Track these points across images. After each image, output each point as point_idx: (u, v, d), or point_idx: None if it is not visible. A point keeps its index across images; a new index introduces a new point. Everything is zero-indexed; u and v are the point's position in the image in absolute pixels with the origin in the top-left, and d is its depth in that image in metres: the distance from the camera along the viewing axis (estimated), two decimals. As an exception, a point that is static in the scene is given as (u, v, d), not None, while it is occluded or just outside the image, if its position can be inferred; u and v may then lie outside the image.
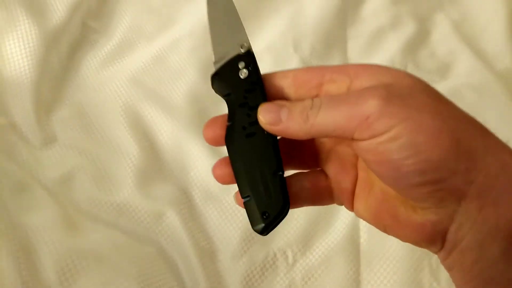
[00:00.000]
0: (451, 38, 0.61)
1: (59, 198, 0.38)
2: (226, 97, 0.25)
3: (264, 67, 0.52)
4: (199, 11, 0.57)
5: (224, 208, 0.44)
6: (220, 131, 0.25)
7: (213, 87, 0.26)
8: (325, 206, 0.45)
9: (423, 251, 0.44)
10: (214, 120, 0.26)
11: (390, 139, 0.21)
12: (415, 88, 0.23)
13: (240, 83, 0.25)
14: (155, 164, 0.45)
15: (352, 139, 0.22)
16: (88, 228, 0.37)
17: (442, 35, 0.61)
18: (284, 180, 0.24)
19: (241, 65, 0.25)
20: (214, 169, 0.26)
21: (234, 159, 0.24)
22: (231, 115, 0.25)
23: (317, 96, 0.24)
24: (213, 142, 0.26)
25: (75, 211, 0.38)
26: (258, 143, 0.24)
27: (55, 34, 0.47)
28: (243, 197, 0.24)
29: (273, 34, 0.56)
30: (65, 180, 0.41)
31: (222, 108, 0.49)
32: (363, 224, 0.46)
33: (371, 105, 0.21)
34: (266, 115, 0.24)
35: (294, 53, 0.55)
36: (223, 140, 0.25)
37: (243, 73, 0.25)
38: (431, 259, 0.44)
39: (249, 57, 0.26)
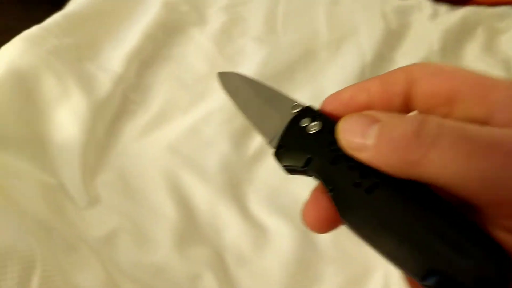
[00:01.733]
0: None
1: (102, 258, 0.39)
2: (306, 166, 0.20)
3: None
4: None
5: (258, 271, 0.45)
6: (323, 211, 0.19)
7: (282, 165, 0.21)
8: (354, 273, 0.46)
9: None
10: (310, 203, 0.19)
11: None
12: None
13: (317, 139, 0.20)
14: (191, 227, 0.46)
15: (488, 213, 0.14)
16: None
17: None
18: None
19: (303, 123, 0.21)
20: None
21: (373, 231, 0.17)
22: (327, 182, 0.19)
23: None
24: (320, 227, 0.19)
25: (117, 271, 0.38)
26: (392, 193, 0.17)
27: (101, 105, 0.51)
28: (423, 280, 0.16)
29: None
30: (108, 239, 0.42)
31: (254, 173, 0.52)
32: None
33: None
34: (347, 134, 0.17)
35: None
36: (330, 221, 0.19)
37: (313, 127, 0.20)
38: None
39: (308, 111, 0.21)
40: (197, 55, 0.66)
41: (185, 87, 0.61)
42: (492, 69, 0.69)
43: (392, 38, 0.74)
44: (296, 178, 0.52)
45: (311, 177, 0.20)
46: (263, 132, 0.23)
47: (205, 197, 0.48)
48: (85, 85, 0.51)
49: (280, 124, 0.22)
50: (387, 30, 0.75)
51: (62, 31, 0.54)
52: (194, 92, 0.60)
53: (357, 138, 0.17)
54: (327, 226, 0.19)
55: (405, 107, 0.18)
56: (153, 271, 0.41)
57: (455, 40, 0.74)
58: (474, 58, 0.72)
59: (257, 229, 0.48)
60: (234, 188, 0.50)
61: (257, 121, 0.23)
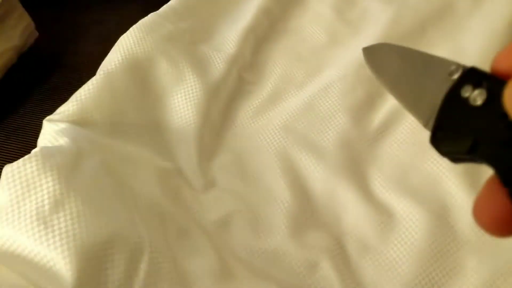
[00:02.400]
0: None
1: (217, 243, 0.39)
2: (472, 152, 0.15)
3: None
4: (347, 56, 0.57)
5: (382, 261, 0.40)
6: (501, 208, 0.14)
7: (442, 151, 0.17)
8: (503, 263, 0.39)
9: None
10: (483, 197, 0.15)
11: None
12: None
13: (484, 114, 0.15)
14: (308, 210, 0.44)
15: None
16: (244, 277, 0.37)
17: None
18: None
19: (466, 93, 0.16)
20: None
21: None
22: (503, 172, 0.14)
23: None
24: (497, 228, 0.15)
25: (231, 257, 0.38)
26: None
27: (215, 87, 0.51)
28: None
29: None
30: (223, 223, 0.42)
31: (378, 150, 0.48)
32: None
33: None
34: None
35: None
36: (509, 220, 0.14)
37: (479, 98, 0.15)
38: None
39: (472, 75, 0.16)
40: (315, 25, 0.63)
41: (301, 61, 0.58)
42: None
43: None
44: (428, 155, 0.48)
45: (482, 164, 0.16)
46: (417, 113, 0.19)
47: (322, 178, 0.45)
48: (199, 68, 0.51)
49: (436, 98, 0.17)
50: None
51: (177, 16, 0.56)
52: (311, 65, 0.57)
53: None
54: (507, 228, 0.15)
55: None
56: (268, 257, 0.40)
57: None
58: None
59: (382, 213, 0.43)
60: (355, 167, 0.46)
61: (409, 100, 0.19)
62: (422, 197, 0.44)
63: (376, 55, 0.22)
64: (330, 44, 0.60)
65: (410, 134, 0.48)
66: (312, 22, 0.63)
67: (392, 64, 0.21)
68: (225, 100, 0.52)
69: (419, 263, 0.40)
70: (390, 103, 0.51)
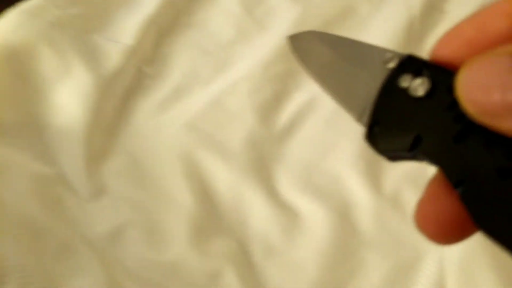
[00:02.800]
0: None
1: (106, 259, 0.35)
2: (414, 149, 0.13)
3: (327, 107, 0.48)
4: (256, 53, 0.56)
5: (288, 263, 0.40)
6: (447, 214, 0.13)
7: (380, 149, 0.15)
8: (403, 258, 0.40)
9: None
10: (426, 201, 0.14)
11: None
12: None
13: (427, 105, 0.13)
14: (211, 216, 0.42)
15: None
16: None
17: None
18: None
19: (404, 83, 0.14)
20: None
21: None
22: (452, 171, 0.13)
23: None
24: (444, 236, 0.13)
25: (123, 274, 0.35)
26: None
27: (110, 81, 0.47)
28: None
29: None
30: (114, 236, 0.38)
31: (285, 150, 0.47)
32: (450, 284, 0.40)
33: None
34: (473, 91, 0.11)
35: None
36: (459, 228, 0.13)
37: (420, 88, 0.14)
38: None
39: (410, 63, 0.14)
40: (222, 20, 0.61)
41: (207, 56, 0.56)
42: None
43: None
44: (333, 153, 0.48)
45: (425, 163, 0.14)
46: (349, 106, 0.16)
47: (227, 180, 0.44)
48: (91, 60, 0.47)
49: (371, 89, 0.15)
50: (438, -25, 0.65)
51: (66, 1, 0.50)
52: (217, 60, 0.55)
53: (495, 95, 0.10)
54: (454, 235, 0.13)
55: None
56: (166, 270, 0.37)
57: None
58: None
59: (288, 214, 0.43)
60: (262, 168, 0.45)
61: (340, 92, 0.17)
62: (326, 196, 0.44)
63: (302, 43, 0.20)
64: (238, 40, 0.59)
65: (315, 133, 0.49)
66: (219, 17, 0.61)
67: (320, 53, 0.19)
68: (121, 95, 0.48)
69: (324, 263, 0.40)
70: (297, 101, 0.51)
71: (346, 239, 0.42)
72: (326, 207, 0.43)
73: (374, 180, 0.45)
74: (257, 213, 0.42)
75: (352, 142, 0.46)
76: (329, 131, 0.48)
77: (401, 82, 0.14)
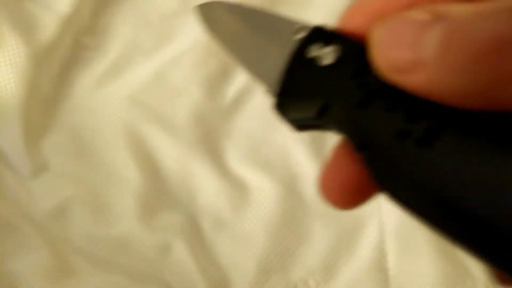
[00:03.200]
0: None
1: (51, 236, 0.34)
2: (321, 116, 0.14)
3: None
4: (198, 25, 0.54)
5: (237, 235, 0.41)
6: (350, 179, 0.13)
7: (289, 118, 0.15)
8: (346, 226, 0.42)
9: (459, 275, 0.41)
10: (330, 168, 0.14)
11: None
12: None
13: (334, 73, 0.14)
14: (159, 190, 0.41)
15: None
16: (85, 272, 0.33)
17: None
18: None
19: (312, 52, 0.14)
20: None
21: (432, 205, 0.11)
22: (356, 135, 0.13)
23: None
24: (346, 201, 0.14)
25: (69, 251, 0.34)
26: (464, 142, 0.10)
27: (45, 52, 0.44)
28: None
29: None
30: (58, 213, 0.37)
31: (232, 124, 0.47)
32: (390, 247, 0.43)
33: None
34: (385, 48, 0.11)
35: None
36: (361, 192, 0.14)
37: (328, 57, 0.14)
38: (465, 283, 0.41)
39: (319, 34, 0.15)
40: (164, -11, 0.58)
41: (150, 27, 0.53)
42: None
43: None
44: (280, 127, 0.49)
45: (331, 131, 0.14)
46: (260, 77, 0.16)
47: (174, 154, 0.43)
48: (24, 29, 0.43)
49: (280, 60, 0.15)
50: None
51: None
52: (160, 32, 0.53)
53: (405, 51, 0.10)
54: (356, 199, 0.14)
55: None
56: (115, 245, 0.36)
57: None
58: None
59: (237, 187, 0.43)
60: (209, 142, 0.45)
61: (252, 63, 0.17)
62: (273, 169, 0.45)
63: (212, 14, 0.19)
64: (181, 11, 0.57)
65: (262, 107, 0.49)
66: (161, -14, 0.59)
67: (229, 23, 0.18)
68: (59, 68, 0.45)
69: (272, 233, 0.41)
70: (243, 76, 0.51)
71: (293, 209, 0.43)
72: (274, 180, 0.43)
73: (318, 153, 0.46)
74: (205, 187, 0.42)
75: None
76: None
77: (310, 52, 0.14)
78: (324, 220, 0.43)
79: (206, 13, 0.19)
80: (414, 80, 0.10)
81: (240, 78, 0.50)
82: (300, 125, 0.15)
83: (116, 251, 0.36)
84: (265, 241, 0.41)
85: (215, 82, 0.50)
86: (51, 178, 0.39)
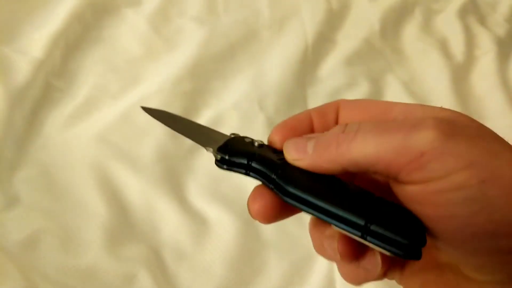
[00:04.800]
0: (402, 97, 0.66)
1: (23, 265, 0.35)
2: (247, 173, 0.23)
3: (232, 125, 0.53)
4: (165, 70, 0.58)
5: (198, 266, 0.43)
6: (268, 200, 0.22)
7: (225, 169, 0.24)
8: (299, 257, 0.45)
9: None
10: (254, 194, 0.22)
11: (452, 187, 0.16)
12: (482, 129, 0.18)
13: (260, 149, 0.23)
14: (125, 224, 0.43)
15: (396, 180, 0.18)
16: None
17: (394, 94, 0.66)
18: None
19: (246, 139, 0.24)
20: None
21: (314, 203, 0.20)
22: (267, 180, 0.22)
23: None
24: (267, 216, 0.22)
25: (40, 279, 0.35)
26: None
27: (19, 93, 0.46)
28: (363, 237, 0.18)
29: (238, 94, 0.58)
30: (29, 243, 0.38)
31: (192, 164, 0.50)
32: (337, 275, 0.46)
33: (427, 138, 0.16)
34: (291, 151, 0.21)
35: (260, 112, 0.57)
36: (275, 210, 0.22)
37: (256, 143, 0.24)
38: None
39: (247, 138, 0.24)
40: (131, 37, 0.62)
41: (117, 71, 0.57)
42: (430, 48, 0.71)
43: (334, 18, 0.73)
44: None
45: (248, 175, 0.23)
46: (201, 143, 0.25)
47: (139, 190, 0.45)
48: (0, 72, 0.45)
49: (220, 140, 0.24)
50: (328, 10, 0.74)
51: (-30, 11, 0.48)
52: (127, 76, 0.57)
53: (299, 152, 0.21)
54: (273, 215, 0.22)
55: None
56: (82, 275, 0.38)
57: (395, 20, 0.75)
58: (412, 38, 0.73)
59: (197, 221, 0.46)
60: (172, 179, 0.48)
61: (195, 138, 0.26)
62: (232, 204, 0.47)
63: (158, 113, 0.30)
64: (146, 57, 0.61)
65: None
66: (127, 33, 0.62)
67: (172, 125, 0.28)
68: (31, 107, 0.48)
69: (231, 264, 0.43)
70: (205, 118, 0.55)
71: (250, 242, 0.45)
72: (232, 214, 0.46)
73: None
74: (168, 221, 0.44)
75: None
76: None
77: (245, 139, 0.24)
78: (279, 252, 0.46)
79: (153, 112, 0.30)
80: (305, 163, 0.20)
81: (202, 120, 0.54)
82: (228, 164, 0.24)
83: (84, 280, 0.37)
84: (224, 272, 0.43)
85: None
86: (22, 211, 0.40)
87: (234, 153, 0.23)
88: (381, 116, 0.21)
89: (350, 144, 0.18)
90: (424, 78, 0.67)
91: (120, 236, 0.42)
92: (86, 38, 0.59)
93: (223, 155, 0.23)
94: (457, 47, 0.71)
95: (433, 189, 0.16)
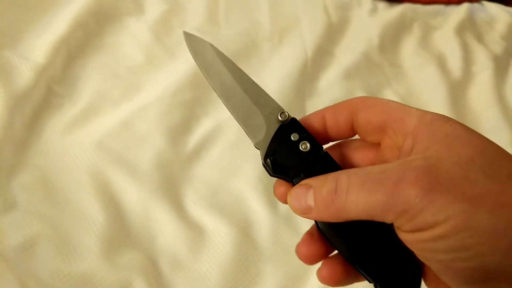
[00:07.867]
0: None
1: (19, 270, 0.35)
2: (293, 180, 0.23)
3: (231, 135, 0.53)
4: (165, 79, 0.59)
5: (194, 275, 0.42)
6: (316, 245, 0.24)
7: (272, 174, 0.24)
8: (294, 269, 0.45)
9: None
10: (303, 242, 0.24)
11: (434, 237, 0.18)
12: (475, 162, 0.18)
13: (306, 158, 0.23)
14: (122, 231, 0.43)
15: (393, 225, 0.20)
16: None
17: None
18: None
19: (295, 138, 0.24)
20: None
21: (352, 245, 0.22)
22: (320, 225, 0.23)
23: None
24: (314, 261, 0.24)
25: (36, 285, 0.35)
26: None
27: (20, 97, 0.46)
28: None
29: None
30: (26, 248, 0.38)
31: (192, 171, 0.50)
32: None
33: (409, 196, 0.18)
34: (295, 204, 0.22)
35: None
36: (322, 253, 0.24)
37: (305, 146, 0.23)
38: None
39: (295, 124, 0.24)
40: (132, 45, 0.63)
41: (117, 78, 0.57)
42: (427, 63, 0.72)
43: (333, 32, 0.74)
44: (236, 176, 0.52)
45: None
46: (249, 132, 0.24)
47: (137, 198, 0.45)
48: (1, 76, 0.46)
49: (266, 129, 0.24)
50: (328, 23, 0.75)
51: (-26, 15, 0.49)
52: (127, 83, 0.57)
53: (303, 205, 0.22)
54: (319, 258, 0.24)
55: (351, 131, 0.24)
56: (77, 281, 0.38)
57: (393, 35, 0.76)
58: (410, 53, 0.74)
59: (194, 230, 0.45)
60: (170, 187, 0.48)
61: (240, 115, 0.24)
62: (229, 214, 0.47)
63: (199, 48, 0.25)
64: (147, 65, 0.61)
65: (221, 157, 0.52)
66: (129, 41, 0.63)
67: (220, 71, 0.25)
68: (32, 113, 0.48)
69: (227, 274, 0.43)
70: (204, 127, 0.55)
71: (246, 252, 0.45)
72: (229, 224, 0.46)
73: (271, 200, 0.49)
74: (165, 229, 0.44)
75: (253, 166, 0.51)
76: (233, 156, 0.52)
77: (293, 137, 0.24)
78: (275, 262, 0.46)
79: (194, 44, 0.26)
80: (312, 216, 0.22)
81: (201, 130, 0.54)
82: (276, 172, 0.24)
83: (79, 286, 0.37)
84: (220, 282, 0.43)
85: (178, 132, 0.53)
86: (19, 215, 0.40)
87: (278, 169, 0.24)
88: (397, 125, 0.22)
89: (345, 205, 0.20)
90: (421, 93, 0.68)
91: (117, 244, 0.42)
92: (88, 45, 0.60)
93: (268, 169, 0.24)
94: (454, 63, 0.72)
95: (418, 238, 0.18)
